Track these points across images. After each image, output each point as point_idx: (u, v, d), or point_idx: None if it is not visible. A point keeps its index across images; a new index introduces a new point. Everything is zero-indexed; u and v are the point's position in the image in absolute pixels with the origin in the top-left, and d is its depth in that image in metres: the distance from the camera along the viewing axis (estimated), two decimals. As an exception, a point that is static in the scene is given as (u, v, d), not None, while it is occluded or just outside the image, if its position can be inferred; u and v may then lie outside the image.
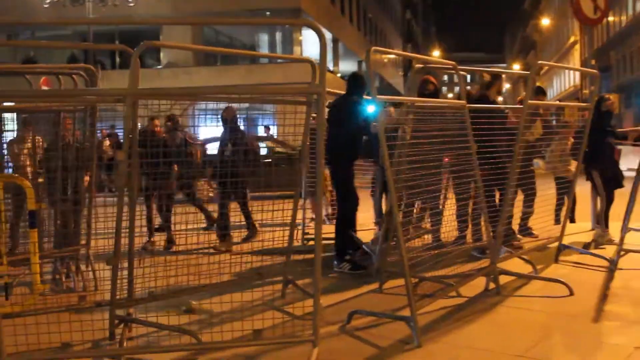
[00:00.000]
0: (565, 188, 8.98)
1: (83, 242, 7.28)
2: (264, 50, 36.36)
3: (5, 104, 7.12)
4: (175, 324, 5.48)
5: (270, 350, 5.12)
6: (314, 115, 6.09)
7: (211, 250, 7.92)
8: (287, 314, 6.16)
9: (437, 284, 6.54)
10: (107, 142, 19.35)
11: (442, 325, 5.77)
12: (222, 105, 8.73)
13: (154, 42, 5.42)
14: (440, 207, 7.67)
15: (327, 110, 8.78)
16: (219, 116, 9.11)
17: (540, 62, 7.77)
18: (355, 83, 8.13)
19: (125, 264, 5.47)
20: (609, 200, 9.56)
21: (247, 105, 9.17)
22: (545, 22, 69.85)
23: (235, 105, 9.06)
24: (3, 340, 4.33)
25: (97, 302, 5.84)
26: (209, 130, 10.15)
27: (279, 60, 32.19)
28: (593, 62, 13.93)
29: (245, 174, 9.31)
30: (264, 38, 37.78)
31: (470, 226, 8.08)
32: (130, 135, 5.18)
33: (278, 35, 36.85)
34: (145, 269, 5.83)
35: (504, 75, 9.36)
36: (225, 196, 9.15)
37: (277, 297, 6.69)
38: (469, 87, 10.10)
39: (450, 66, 7.04)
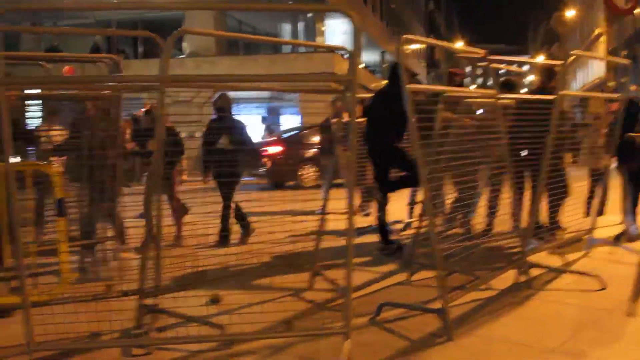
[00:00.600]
0: (598, 181, 8.85)
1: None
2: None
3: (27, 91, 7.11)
4: (202, 314, 5.44)
5: (300, 342, 5.05)
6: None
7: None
8: (316, 305, 6.09)
9: (466, 276, 6.45)
10: (127, 131, 19.32)
11: (473, 319, 5.68)
12: (253, 94, 8.66)
13: (188, 29, 5.38)
14: (474, 198, 7.58)
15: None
16: (214, 104, 8.95)
17: (573, 51, 7.61)
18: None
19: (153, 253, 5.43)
20: (635, 195, 9.40)
21: (269, 94, 9.11)
22: (569, 13, 69.05)
23: (254, 93, 8.96)
24: (32, 328, 4.31)
25: (124, 292, 5.79)
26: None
27: (301, 50, 32.07)
28: (624, 53, 13.70)
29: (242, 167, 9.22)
30: (286, 28, 37.66)
31: (495, 218, 8.01)
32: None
33: (300, 25, 36.71)
34: (173, 258, 5.80)
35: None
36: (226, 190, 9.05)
37: (306, 288, 6.60)
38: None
39: (481, 55, 6.93)
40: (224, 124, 8.96)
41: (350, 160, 4.67)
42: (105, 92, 6.79)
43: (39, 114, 7.97)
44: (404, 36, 5.84)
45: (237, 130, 9.13)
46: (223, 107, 9.06)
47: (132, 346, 4.90)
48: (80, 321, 4.90)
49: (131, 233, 7.71)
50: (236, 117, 9.49)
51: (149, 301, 5.29)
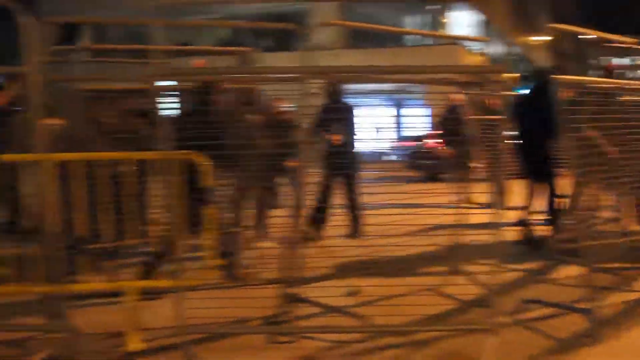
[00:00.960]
0: None
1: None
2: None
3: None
4: (342, 305, 5.48)
5: (442, 338, 4.99)
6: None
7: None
8: (455, 300, 6.02)
9: (613, 276, 6.22)
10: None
11: (621, 320, 5.43)
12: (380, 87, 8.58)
13: (328, 21, 5.43)
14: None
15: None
16: (328, 91, 8.85)
17: None
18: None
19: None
20: None
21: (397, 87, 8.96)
22: None
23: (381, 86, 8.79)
24: (184, 311, 4.46)
25: (269, 280, 5.90)
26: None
27: (425, 43, 31.70)
28: None
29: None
30: (410, 21, 37.28)
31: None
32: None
33: (424, 18, 36.27)
34: (315, 248, 5.88)
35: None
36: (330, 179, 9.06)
37: (444, 282, 6.50)
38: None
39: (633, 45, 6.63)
40: (338, 112, 8.90)
41: (500, 155, 4.58)
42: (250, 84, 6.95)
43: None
44: (551, 25, 5.67)
45: (350, 119, 9.09)
46: (337, 94, 9.00)
47: (278, 334, 4.99)
48: (224, 307, 5.03)
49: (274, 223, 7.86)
50: (347, 104, 9.39)
51: (292, 290, 5.37)
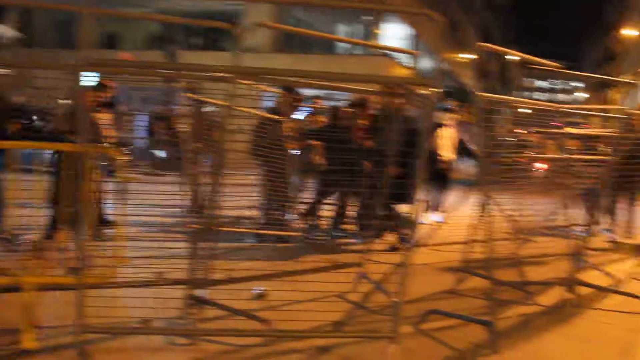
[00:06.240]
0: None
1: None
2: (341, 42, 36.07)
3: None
4: (248, 308, 5.44)
5: (344, 344, 5.02)
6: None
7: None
8: (360, 307, 6.08)
9: (514, 290, 6.43)
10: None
11: (519, 333, 5.62)
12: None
13: (264, 22, 5.44)
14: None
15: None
16: None
17: None
18: None
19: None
20: None
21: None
22: (627, 32, 67.32)
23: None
24: (85, 309, 4.34)
25: (175, 280, 5.80)
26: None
27: (356, 52, 31.98)
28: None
29: None
30: (343, 30, 37.44)
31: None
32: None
33: (356, 28, 36.51)
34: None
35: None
36: None
37: (350, 290, 6.50)
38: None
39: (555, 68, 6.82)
40: None
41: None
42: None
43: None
44: (479, 43, 5.85)
45: None
46: None
47: (177, 335, 4.92)
48: (128, 306, 4.95)
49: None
50: None
51: (197, 292, 5.31)
